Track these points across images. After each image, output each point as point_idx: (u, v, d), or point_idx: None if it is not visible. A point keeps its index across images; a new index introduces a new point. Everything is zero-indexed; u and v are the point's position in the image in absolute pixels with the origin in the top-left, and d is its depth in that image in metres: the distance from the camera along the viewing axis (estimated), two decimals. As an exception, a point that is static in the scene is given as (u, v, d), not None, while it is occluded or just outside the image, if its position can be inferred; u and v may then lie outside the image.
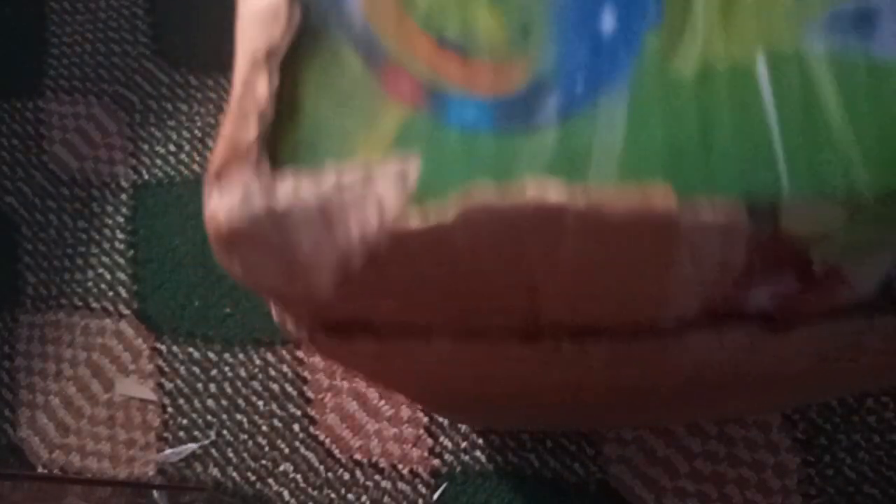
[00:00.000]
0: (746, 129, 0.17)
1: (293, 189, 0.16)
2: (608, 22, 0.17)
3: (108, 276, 0.61)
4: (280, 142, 0.17)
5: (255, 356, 0.57)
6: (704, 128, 0.16)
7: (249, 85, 0.17)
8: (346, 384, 0.55)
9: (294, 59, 0.18)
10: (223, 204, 0.18)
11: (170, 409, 0.56)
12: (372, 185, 0.16)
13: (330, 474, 0.53)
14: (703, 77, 0.17)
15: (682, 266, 0.17)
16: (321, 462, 0.54)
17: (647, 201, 0.16)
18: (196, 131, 0.64)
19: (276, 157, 0.17)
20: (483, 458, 0.52)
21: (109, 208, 0.63)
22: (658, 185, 0.16)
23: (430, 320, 0.21)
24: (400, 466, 0.53)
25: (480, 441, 0.53)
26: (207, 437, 0.55)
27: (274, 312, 0.24)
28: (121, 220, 0.62)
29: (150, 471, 0.55)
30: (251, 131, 0.17)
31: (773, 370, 0.25)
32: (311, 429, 0.54)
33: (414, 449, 0.53)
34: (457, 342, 0.21)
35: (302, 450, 0.54)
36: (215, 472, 0.54)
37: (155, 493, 0.54)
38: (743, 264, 0.17)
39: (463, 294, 0.19)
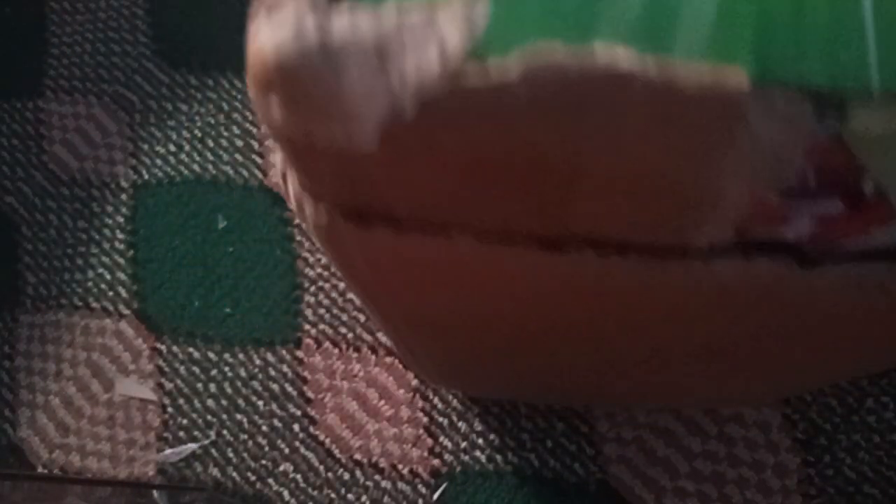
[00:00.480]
0: (840, 14, 0.16)
1: (350, 25, 0.15)
2: None
3: (108, 276, 0.61)
4: None
5: (255, 356, 0.57)
6: (797, 7, 0.16)
7: None
8: (346, 384, 0.55)
9: None
10: (273, 37, 0.16)
11: (170, 409, 0.56)
12: (435, 29, 0.15)
13: (330, 474, 0.53)
14: None
15: (738, 156, 0.17)
16: (321, 462, 0.54)
17: (719, 80, 0.15)
18: (196, 131, 0.64)
19: None
20: (483, 458, 0.52)
21: (109, 208, 0.63)
22: (733, 67, 0.16)
23: (457, 213, 0.20)
24: (400, 466, 0.53)
25: (480, 441, 0.53)
26: (207, 437, 0.55)
27: (291, 191, 0.22)
28: (121, 220, 0.62)
29: (150, 471, 0.55)
30: None
31: (793, 322, 0.25)
32: (311, 429, 0.54)
33: (414, 449, 0.53)
34: (479, 243, 0.20)
35: (302, 450, 0.54)
36: (215, 472, 0.54)
37: (155, 493, 0.54)
38: (799, 167, 0.17)
39: (501, 180, 0.18)
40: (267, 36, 0.17)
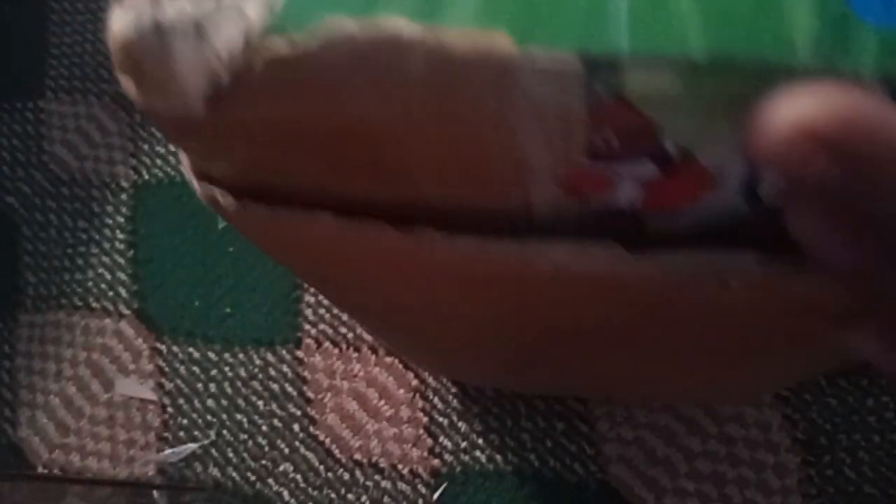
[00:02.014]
0: None
1: (178, 9, 0.18)
2: None
3: (109, 276, 0.61)
4: None
5: (255, 356, 0.57)
6: None
7: None
8: (346, 384, 0.55)
9: None
10: (119, 22, 0.19)
11: (170, 409, 0.56)
12: (240, 8, 0.18)
13: (330, 474, 0.53)
14: None
15: (525, 121, 0.18)
16: (321, 462, 0.54)
17: (487, 44, 0.17)
18: (196, 131, 0.64)
19: None
20: (483, 458, 0.52)
21: (110, 208, 0.63)
22: (499, 32, 0.17)
23: (307, 188, 0.22)
24: (400, 466, 0.53)
25: (480, 441, 0.53)
26: (207, 437, 0.55)
27: (186, 172, 0.25)
28: (121, 219, 0.62)
29: (150, 471, 0.55)
30: None
31: (655, 320, 0.25)
32: (311, 429, 0.54)
33: (414, 449, 0.53)
34: (336, 220, 0.22)
35: (302, 450, 0.54)
36: (215, 472, 0.54)
37: (155, 493, 0.54)
38: (593, 128, 0.18)
39: (326, 151, 0.20)
40: (115, 22, 0.19)
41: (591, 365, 0.36)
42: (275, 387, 0.56)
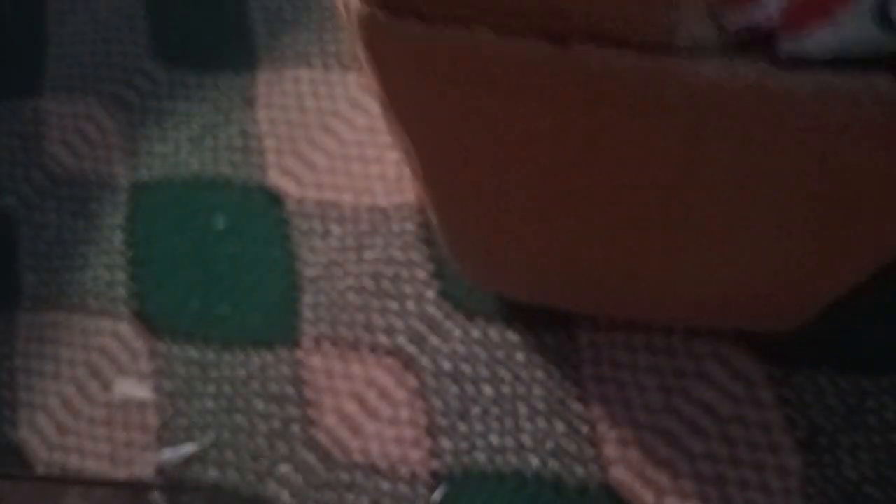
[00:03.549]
0: None
1: None
2: None
3: (107, 276, 0.61)
4: None
5: (253, 357, 0.57)
6: None
7: None
8: (345, 385, 0.55)
9: None
10: None
11: (168, 410, 0.56)
12: None
13: (329, 476, 0.53)
14: None
15: None
16: (320, 463, 0.54)
17: None
18: (195, 131, 0.64)
19: None
20: (483, 459, 0.52)
21: (108, 208, 0.63)
22: None
23: (473, 5, 0.23)
24: (399, 468, 0.53)
25: (480, 442, 0.53)
26: (206, 437, 0.55)
27: None
28: (120, 219, 0.62)
29: (149, 471, 0.55)
30: None
31: (781, 154, 0.27)
32: (310, 430, 0.54)
33: (414, 450, 0.53)
34: (496, 35, 0.23)
35: (301, 451, 0.54)
36: (214, 472, 0.54)
37: (154, 494, 0.54)
38: None
39: None
40: None
41: (669, 253, 0.37)
42: (274, 388, 0.56)
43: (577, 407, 0.53)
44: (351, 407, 0.54)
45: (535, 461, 0.52)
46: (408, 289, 0.57)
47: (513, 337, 0.55)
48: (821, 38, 0.21)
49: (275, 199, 0.61)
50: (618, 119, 0.26)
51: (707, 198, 0.31)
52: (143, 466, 0.55)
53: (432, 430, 0.53)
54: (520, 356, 0.54)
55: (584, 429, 0.52)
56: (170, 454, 0.55)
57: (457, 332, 0.55)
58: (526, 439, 0.52)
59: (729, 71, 0.22)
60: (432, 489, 0.52)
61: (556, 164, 0.31)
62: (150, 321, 0.59)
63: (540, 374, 0.54)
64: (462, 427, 0.53)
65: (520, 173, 0.32)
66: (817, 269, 0.39)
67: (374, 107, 0.63)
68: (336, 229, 0.59)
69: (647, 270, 0.42)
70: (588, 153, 0.29)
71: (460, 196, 0.37)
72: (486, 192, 0.35)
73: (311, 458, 0.54)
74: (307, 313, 0.57)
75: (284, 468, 0.54)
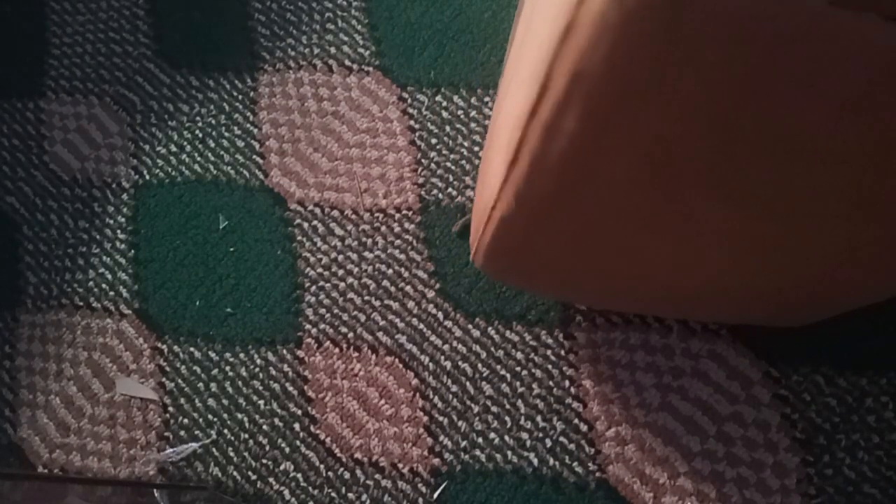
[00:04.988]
0: None
1: None
2: None
3: (109, 276, 0.61)
4: None
5: (255, 356, 0.57)
6: None
7: None
8: (346, 383, 0.55)
9: None
10: None
11: (171, 409, 0.56)
12: None
13: (330, 473, 0.53)
14: None
15: None
16: (321, 461, 0.54)
17: None
18: (197, 132, 0.64)
19: None
20: (483, 458, 0.52)
21: (111, 208, 0.63)
22: None
23: None
24: (400, 465, 0.53)
25: (480, 440, 0.53)
26: (208, 436, 0.55)
27: None
28: (122, 220, 0.62)
29: (151, 470, 0.55)
30: None
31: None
32: (312, 428, 0.55)
33: (414, 448, 0.53)
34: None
35: (302, 449, 0.54)
36: (216, 471, 0.54)
37: (156, 492, 0.54)
38: None
39: None
40: None
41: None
42: (275, 386, 0.56)
43: (575, 405, 0.53)
44: (352, 405, 0.55)
45: (534, 459, 0.52)
46: (408, 288, 0.57)
47: (512, 336, 0.55)
48: None
49: (276, 199, 0.61)
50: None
51: (833, 184, 0.31)
52: (145, 465, 0.55)
53: (432, 428, 0.53)
54: (519, 355, 0.54)
55: (583, 427, 0.52)
56: (172, 452, 0.55)
57: (457, 332, 0.55)
58: (525, 437, 0.52)
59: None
60: (433, 486, 0.52)
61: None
62: (152, 320, 0.59)
63: (539, 373, 0.54)
64: (462, 425, 0.53)
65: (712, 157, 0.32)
66: (870, 264, 0.39)
67: (375, 108, 0.63)
68: (337, 229, 0.59)
69: (713, 268, 0.41)
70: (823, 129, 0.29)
71: (574, 210, 0.37)
72: (616, 200, 0.35)
73: (312, 455, 0.54)
74: (308, 312, 0.57)
75: (286, 466, 0.54)
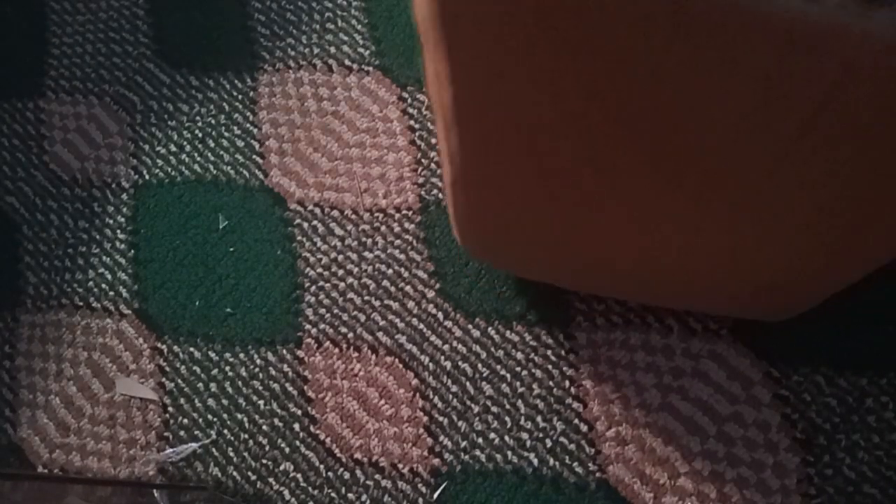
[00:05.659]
0: None
1: None
2: None
3: (109, 276, 0.61)
4: None
5: (255, 356, 0.57)
6: None
7: None
8: (346, 384, 0.55)
9: None
10: None
11: (170, 409, 0.56)
12: None
13: (330, 473, 0.53)
14: None
15: None
16: (321, 461, 0.54)
17: None
18: (197, 132, 0.64)
19: None
20: (483, 458, 0.52)
21: (110, 208, 0.63)
22: None
23: None
24: (400, 466, 0.53)
25: (480, 440, 0.53)
26: (208, 436, 0.55)
27: None
28: (122, 220, 0.62)
29: (151, 470, 0.55)
30: None
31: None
32: (312, 428, 0.55)
33: (414, 448, 0.53)
34: None
35: (302, 449, 0.54)
36: (216, 471, 0.54)
37: (156, 493, 0.55)
38: None
39: None
40: None
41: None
42: (275, 386, 0.56)
43: (575, 405, 0.53)
44: (352, 405, 0.55)
45: (534, 459, 0.52)
46: (408, 288, 0.57)
47: (512, 336, 0.55)
48: None
49: (276, 199, 0.61)
50: (700, 58, 0.27)
51: (761, 161, 0.32)
52: (145, 465, 0.55)
53: (432, 429, 0.53)
54: (519, 355, 0.54)
55: (583, 427, 0.52)
56: (171, 453, 0.55)
57: (457, 332, 0.55)
58: (525, 437, 0.52)
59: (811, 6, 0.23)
60: (433, 487, 0.52)
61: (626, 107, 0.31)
62: (152, 320, 0.59)
63: (539, 373, 0.54)
64: (462, 425, 0.53)
65: (579, 124, 0.32)
66: (840, 252, 0.39)
67: (375, 108, 0.63)
68: (337, 229, 0.59)
69: (674, 250, 0.42)
70: (663, 96, 0.30)
71: (503, 168, 0.38)
72: (532, 158, 0.36)
73: (312, 455, 0.54)
74: (308, 312, 0.57)
75: (286, 466, 0.54)
